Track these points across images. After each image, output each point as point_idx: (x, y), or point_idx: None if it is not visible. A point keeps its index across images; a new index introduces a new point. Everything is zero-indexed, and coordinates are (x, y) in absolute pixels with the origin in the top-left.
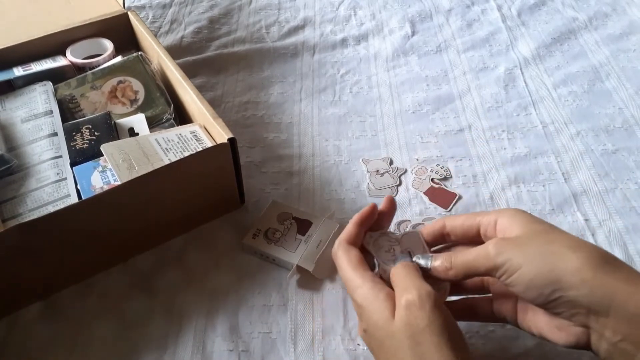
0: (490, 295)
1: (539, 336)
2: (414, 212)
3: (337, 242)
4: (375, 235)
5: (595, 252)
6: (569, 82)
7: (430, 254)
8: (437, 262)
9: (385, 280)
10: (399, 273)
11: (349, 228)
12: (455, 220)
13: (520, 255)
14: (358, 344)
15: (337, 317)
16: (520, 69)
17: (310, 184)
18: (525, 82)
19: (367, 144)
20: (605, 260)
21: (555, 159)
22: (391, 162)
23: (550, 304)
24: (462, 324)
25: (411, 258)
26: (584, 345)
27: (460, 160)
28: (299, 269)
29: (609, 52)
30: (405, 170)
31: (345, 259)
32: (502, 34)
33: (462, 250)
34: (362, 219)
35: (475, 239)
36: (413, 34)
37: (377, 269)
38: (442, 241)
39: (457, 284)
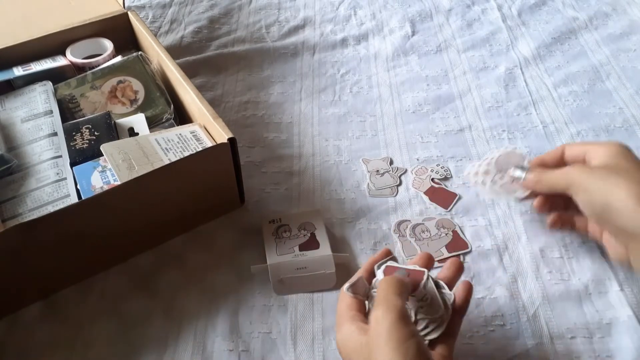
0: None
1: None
2: (414, 212)
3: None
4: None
5: None
6: (569, 81)
7: (527, 165)
8: (530, 175)
9: None
10: (380, 286)
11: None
12: (572, 150)
13: (585, 182)
14: None
15: None
16: (521, 69)
17: (310, 184)
18: (525, 82)
19: (367, 144)
20: None
21: None
22: (391, 162)
23: (602, 223)
24: (463, 324)
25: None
26: (628, 263)
27: (461, 160)
28: (265, 269)
29: (610, 51)
30: (406, 170)
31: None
32: (503, 33)
33: (550, 170)
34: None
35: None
36: (413, 33)
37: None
38: (563, 164)
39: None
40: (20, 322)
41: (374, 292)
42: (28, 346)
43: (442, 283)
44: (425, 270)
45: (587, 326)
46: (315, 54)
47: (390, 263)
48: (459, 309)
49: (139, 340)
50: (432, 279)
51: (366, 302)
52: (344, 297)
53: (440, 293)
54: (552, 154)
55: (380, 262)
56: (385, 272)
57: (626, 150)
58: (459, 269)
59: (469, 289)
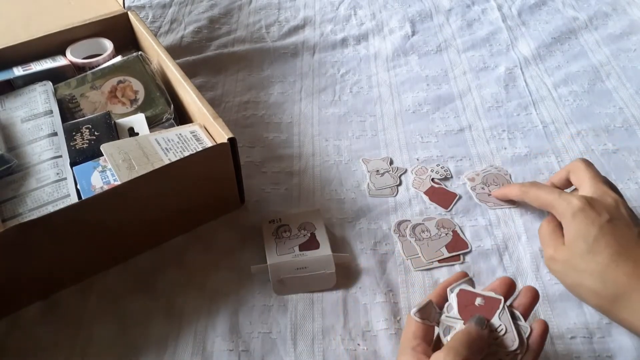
0: None
1: None
2: (414, 212)
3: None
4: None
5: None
6: (569, 81)
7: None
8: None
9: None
10: (456, 334)
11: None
12: (557, 179)
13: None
14: (358, 344)
15: (337, 317)
16: (521, 69)
17: (310, 184)
18: (525, 82)
19: (367, 144)
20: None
21: (556, 159)
22: (391, 162)
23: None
24: None
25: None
26: None
27: (461, 160)
28: (265, 269)
29: (610, 51)
30: (406, 170)
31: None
32: (503, 33)
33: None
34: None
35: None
36: (413, 33)
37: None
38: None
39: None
40: (20, 322)
41: (445, 317)
42: (28, 346)
43: (518, 314)
44: (502, 298)
45: (587, 326)
46: (315, 54)
47: (465, 287)
48: (535, 349)
49: (139, 340)
50: (509, 308)
51: (436, 328)
52: (410, 321)
53: (516, 325)
54: (557, 177)
55: (454, 284)
56: (459, 297)
57: (588, 208)
58: (535, 297)
59: (545, 330)
